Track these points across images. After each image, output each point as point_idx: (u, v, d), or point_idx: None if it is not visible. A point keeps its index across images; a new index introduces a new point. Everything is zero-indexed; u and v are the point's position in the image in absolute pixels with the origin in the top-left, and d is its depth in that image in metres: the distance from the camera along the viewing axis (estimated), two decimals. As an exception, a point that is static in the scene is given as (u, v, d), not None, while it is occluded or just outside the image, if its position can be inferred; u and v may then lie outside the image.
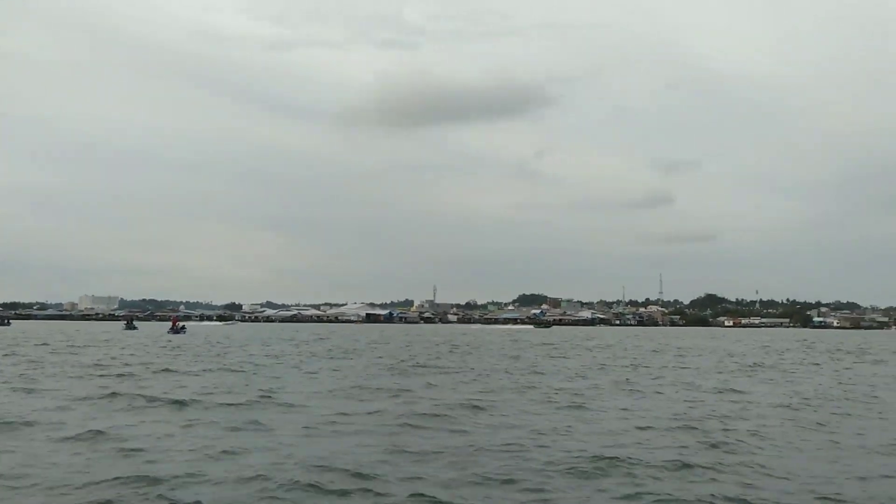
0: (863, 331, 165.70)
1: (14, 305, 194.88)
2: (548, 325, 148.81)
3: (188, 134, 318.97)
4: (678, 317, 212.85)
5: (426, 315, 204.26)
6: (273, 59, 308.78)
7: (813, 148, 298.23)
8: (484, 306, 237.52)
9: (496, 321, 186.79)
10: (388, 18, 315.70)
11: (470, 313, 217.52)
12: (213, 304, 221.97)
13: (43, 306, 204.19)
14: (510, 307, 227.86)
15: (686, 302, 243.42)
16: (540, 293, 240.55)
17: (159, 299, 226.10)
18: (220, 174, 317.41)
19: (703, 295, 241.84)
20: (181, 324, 73.89)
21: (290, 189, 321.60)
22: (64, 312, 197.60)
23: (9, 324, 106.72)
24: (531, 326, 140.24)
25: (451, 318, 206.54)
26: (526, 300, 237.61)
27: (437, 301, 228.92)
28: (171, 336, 61.41)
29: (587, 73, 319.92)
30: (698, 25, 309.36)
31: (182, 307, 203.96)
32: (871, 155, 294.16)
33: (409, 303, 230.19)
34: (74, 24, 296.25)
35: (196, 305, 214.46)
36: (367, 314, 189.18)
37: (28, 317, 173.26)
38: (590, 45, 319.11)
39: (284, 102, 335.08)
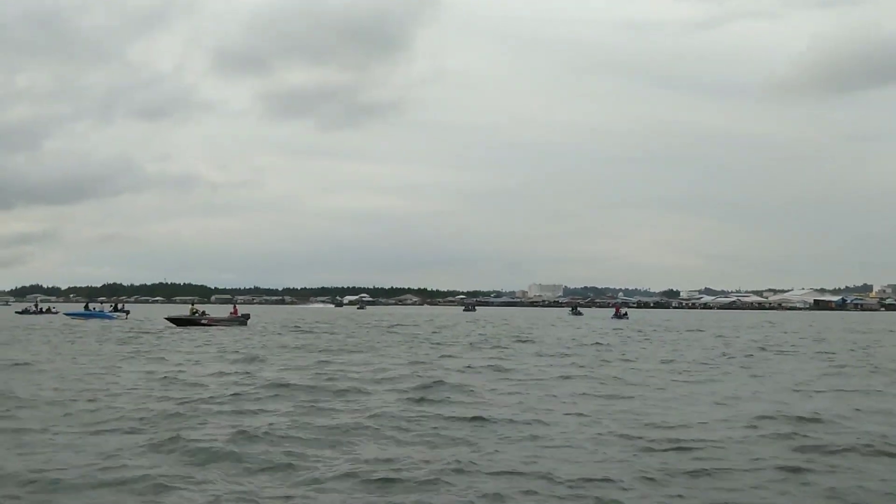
0: None
1: (475, 293, 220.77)
2: None
3: (616, 126, 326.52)
4: None
5: (888, 302, 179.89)
6: (698, 40, 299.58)
7: None
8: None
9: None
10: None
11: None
12: (651, 290, 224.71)
13: (499, 294, 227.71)
14: None
15: None
16: None
17: (599, 286, 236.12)
18: (650, 162, 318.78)
19: None
20: (624, 310, 76.24)
21: (720, 172, 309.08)
22: (515, 300, 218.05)
23: (475, 309, 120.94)
24: None
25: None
26: None
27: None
28: (616, 321, 63.62)
29: None
30: None
31: (620, 294, 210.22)
32: None
33: (867, 288, 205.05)
34: (510, 35, 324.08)
35: (634, 292, 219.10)
36: (815, 300, 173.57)
37: (487, 303, 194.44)
38: None
39: (710, 84, 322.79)
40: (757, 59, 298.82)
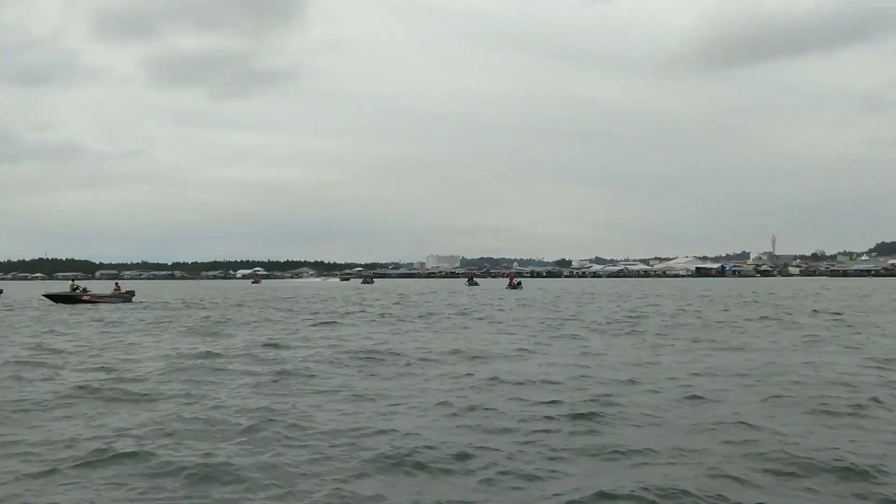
0: None
1: (373, 266, 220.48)
2: None
3: (513, 97, 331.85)
4: None
5: (763, 268, 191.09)
6: (590, 14, 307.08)
7: None
8: (833, 257, 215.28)
9: (846, 273, 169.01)
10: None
11: (815, 265, 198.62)
12: (545, 260, 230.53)
13: (396, 266, 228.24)
14: (864, 257, 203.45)
15: None
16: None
17: (495, 257, 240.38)
18: (544, 134, 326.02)
19: None
20: (517, 280, 77.88)
21: (612, 144, 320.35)
22: (413, 271, 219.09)
23: (372, 282, 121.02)
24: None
25: (793, 270, 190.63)
26: (885, 249, 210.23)
27: (776, 253, 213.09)
28: (511, 291, 64.92)
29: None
30: None
31: (515, 264, 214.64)
32: None
33: (744, 255, 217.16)
34: (406, 4, 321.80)
35: (528, 262, 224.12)
36: (696, 268, 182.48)
37: (384, 275, 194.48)
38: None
39: (602, 57, 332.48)
40: (647, 34, 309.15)
